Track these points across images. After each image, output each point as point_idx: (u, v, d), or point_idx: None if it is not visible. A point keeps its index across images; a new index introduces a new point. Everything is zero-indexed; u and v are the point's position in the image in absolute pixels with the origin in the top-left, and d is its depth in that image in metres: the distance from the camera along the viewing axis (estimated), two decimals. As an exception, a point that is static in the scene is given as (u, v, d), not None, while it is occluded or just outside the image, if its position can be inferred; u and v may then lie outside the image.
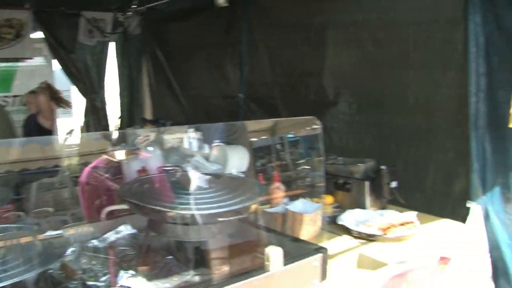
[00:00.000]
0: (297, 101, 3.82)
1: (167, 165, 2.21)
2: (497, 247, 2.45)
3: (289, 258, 1.59)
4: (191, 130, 2.47)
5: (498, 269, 2.49)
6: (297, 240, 1.96)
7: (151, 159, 2.26)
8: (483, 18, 2.37)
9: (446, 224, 2.60)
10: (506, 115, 2.27)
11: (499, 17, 2.33)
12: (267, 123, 2.92)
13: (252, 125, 2.62)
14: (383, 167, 2.72)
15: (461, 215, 2.64)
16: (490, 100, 2.38)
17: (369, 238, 2.36)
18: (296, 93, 3.86)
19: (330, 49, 3.53)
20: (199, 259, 1.60)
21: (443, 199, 2.80)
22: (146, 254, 1.66)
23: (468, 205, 2.61)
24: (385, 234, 2.34)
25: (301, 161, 2.89)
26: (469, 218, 2.61)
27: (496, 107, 2.36)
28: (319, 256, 1.67)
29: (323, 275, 1.68)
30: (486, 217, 2.47)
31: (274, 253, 1.53)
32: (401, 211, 2.61)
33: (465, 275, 2.48)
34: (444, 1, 2.77)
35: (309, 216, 2.30)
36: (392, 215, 2.55)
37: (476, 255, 2.52)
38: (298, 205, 2.44)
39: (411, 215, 2.53)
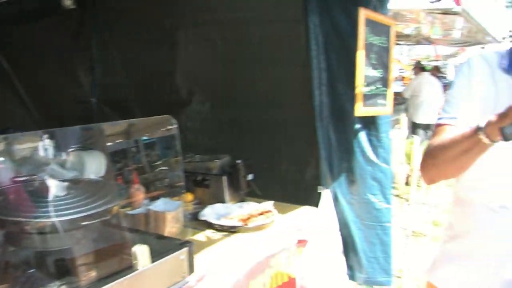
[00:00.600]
0: (151, 102, 3.78)
1: (20, 175, 2.07)
2: (345, 225, 2.70)
3: (156, 255, 1.60)
4: (45, 137, 2.33)
5: (347, 244, 2.74)
6: (162, 237, 1.98)
7: (1, 170, 2.09)
8: (320, 19, 2.57)
9: (301, 210, 2.79)
10: (346, 106, 2.50)
11: (334, 20, 2.56)
12: (122, 125, 2.86)
13: (107, 128, 2.54)
14: (239, 161, 2.83)
15: (314, 200, 2.85)
16: (331, 93, 2.60)
17: (231, 230, 2.44)
18: (151, 94, 3.83)
19: (182, 49, 3.56)
20: (65, 267, 1.54)
21: (297, 187, 2.98)
22: (5, 271, 1.55)
23: (319, 190, 2.82)
24: (246, 224, 2.44)
25: (159, 162, 2.88)
26: (321, 202, 2.82)
27: (337, 98, 2.58)
28: (185, 250, 1.70)
29: (191, 268, 1.72)
30: (335, 199, 2.70)
31: (140, 251, 1.53)
32: (259, 202, 2.74)
33: (321, 253, 2.67)
34: (285, 2, 2.95)
35: (171, 214, 2.31)
36: (251, 207, 2.67)
37: (329, 234, 2.75)
38: (160, 205, 2.43)
39: (269, 204, 2.67)
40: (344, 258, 2.75)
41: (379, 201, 2.63)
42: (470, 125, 1.48)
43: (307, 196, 2.89)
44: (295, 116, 2.98)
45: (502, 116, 1.24)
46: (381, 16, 2.45)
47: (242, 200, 2.84)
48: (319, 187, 2.81)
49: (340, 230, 2.73)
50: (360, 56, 2.32)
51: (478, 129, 1.29)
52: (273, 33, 3.02)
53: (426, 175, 1.58)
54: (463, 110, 1.52)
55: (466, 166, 1.43)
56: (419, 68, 9.69)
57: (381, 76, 2.51)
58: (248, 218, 2.49)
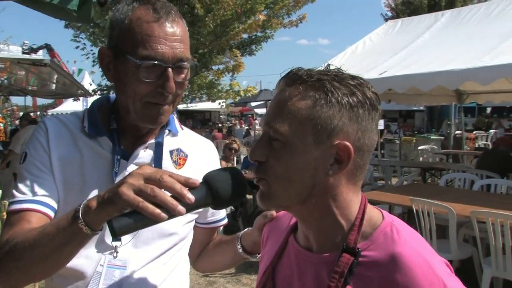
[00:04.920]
0: None
1: None
2: None
3: None
4: None
5: None
6: None
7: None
8: None
9: None
10: None
11: None
12: None
13: None
14: None
15: None
16: None
17: None
18: None
19: None
20: None
21: None
22: None
23: None
24: None
25: None
26: None
27: None
28: None
29: None
30: None
31: None
32: None
33: None
34: None
35: None
36: None
37: None
38: None
39: None
40: None
41: None
42: (58, 209, 1.23)
43: None
44: None
45: (105, 202, 0.98)
46: None
47: None
48: None
49: None
50: None
51: (75, 218, 1.01)
52: None
53: (8, 281, 1.12)
54: (43, 187, 1.23)
55: (66, 261, 1.11)
56: (27, 120, 9.07)
57: None
58: None
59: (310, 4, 10.98)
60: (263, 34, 11.76)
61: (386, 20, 20.87)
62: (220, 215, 1.58)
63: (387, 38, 9.45)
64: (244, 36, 11.40)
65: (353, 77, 0.95)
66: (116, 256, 1.25)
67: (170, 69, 1.18)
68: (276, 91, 0.99)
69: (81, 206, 1.02)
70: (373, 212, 1.00)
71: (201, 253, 1.59)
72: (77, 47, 10.59)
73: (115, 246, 1.25)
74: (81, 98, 13.99)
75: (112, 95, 1.40)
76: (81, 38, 10.71)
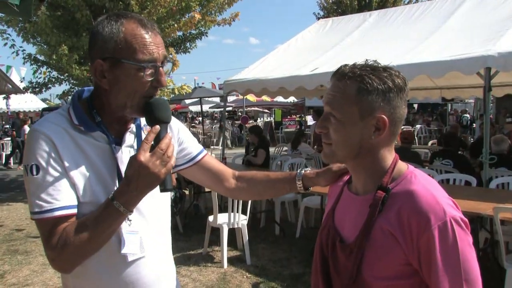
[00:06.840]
0: None
1: None
2: None
3: None
4: None
5: None
6: None
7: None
8: None
9: None
10: None
11: None
12: None
13: None
14: None
15: None
16: None
17: None
18: None
19: None
20: None
21: None
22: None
23: None
24: None
25: None
26: None
27: None
28: None
29: None
30: None
31: None
32: None
33: None
34: None
35: None
36: None
37: None
38: None
39: None
40: None
41: None
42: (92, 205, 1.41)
43: None
44: None
45: (146, 189, 1.35)
46: None
47: None
48: None
49: None
50: None
51: (122, 213, 1.33)
52: None
53: (72, 267, 1.41)
54: (65, 193, 1.38)
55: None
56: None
57: None
58: None
59: (240, 2, 11.10)
60: (197, 31, 11.81)
61: (318, 19, 21.43)
62: (195, 150, 1.82)
63: (318, 37, 9.82)
64: (178, 34, 11.41)
65: (385, 69, 1.30)
66: (130, 224, 1.49)
67: (161, 68, 1.44)
68: (331, 82, 1.38)
69: (122, 208, 1.33)
70: (401, 165, 1.37)
71: (239, 186, 1.86)
72: (5, 44, 10.16)
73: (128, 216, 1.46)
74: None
75: (85, 94, 1.55)
76: (9, 34, 10.28)
